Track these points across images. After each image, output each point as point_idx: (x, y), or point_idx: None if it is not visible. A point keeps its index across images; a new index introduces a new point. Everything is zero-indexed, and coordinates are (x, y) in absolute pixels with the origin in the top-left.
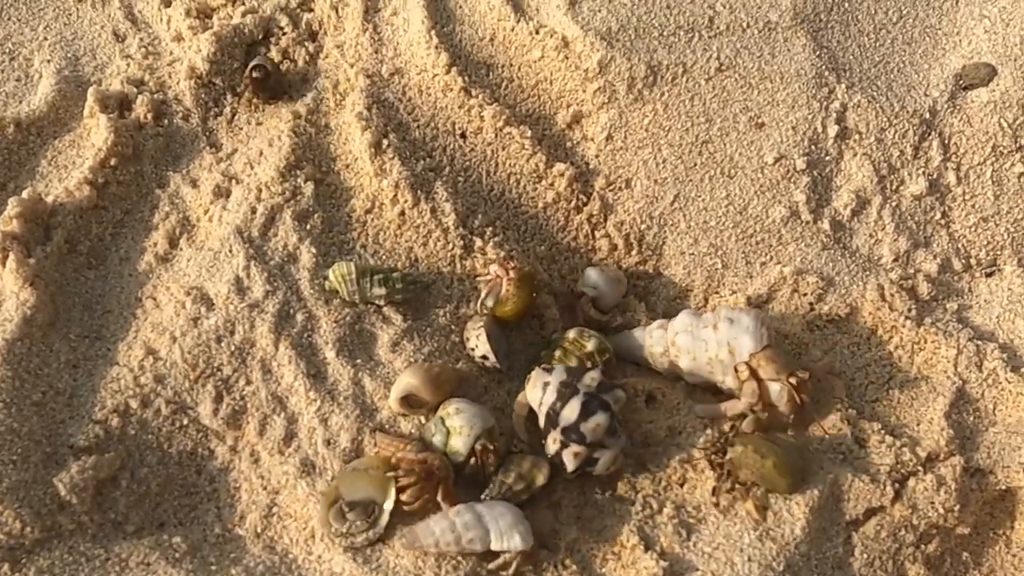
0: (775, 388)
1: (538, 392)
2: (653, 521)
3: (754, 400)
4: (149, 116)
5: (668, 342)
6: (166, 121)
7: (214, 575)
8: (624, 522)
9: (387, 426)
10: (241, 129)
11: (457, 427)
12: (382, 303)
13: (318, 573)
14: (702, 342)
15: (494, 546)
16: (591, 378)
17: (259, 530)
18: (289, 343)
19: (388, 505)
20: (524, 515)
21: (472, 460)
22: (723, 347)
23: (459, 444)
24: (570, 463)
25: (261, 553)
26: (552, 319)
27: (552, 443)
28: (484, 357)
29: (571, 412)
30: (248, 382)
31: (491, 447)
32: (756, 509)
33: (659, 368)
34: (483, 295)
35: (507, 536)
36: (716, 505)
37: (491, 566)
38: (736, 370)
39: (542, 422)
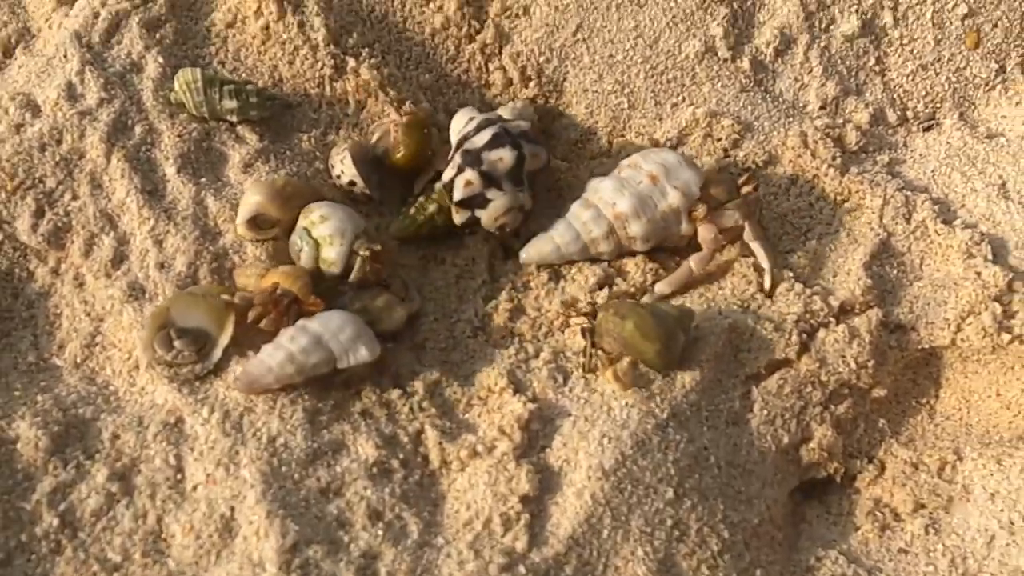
0: (729, 214)
1: (460, 122)
2: (527, 366)
3: (715, 241)
4: None
5: (611, 216)
6: None
7: (15, 401)
8: (494, 366)
9: (232, 253)
10: None
11: (327, 236)
12: (235, 119)
13: (138, 405)
14: (648, 198)
15: (340, 364)
16: (518, 124)
17: (79, 360)
18: (123, 155)
19: (224, 339)
20: (361, 323)
21: (356, 268)
22: (672, 192)
23: (333, 254)
24: (459, 191)
25: (77, 383)
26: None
27: (451, 168)
28: (352, 183)
29: (480, 139)
30: (74, 197)
31: (375, 248)
32: (615, 379)
33: (602, 253)
34: (373, 139)
35: (352, 351)
36: (585, 371)
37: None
38: (692, 213)
39: (451, 153)
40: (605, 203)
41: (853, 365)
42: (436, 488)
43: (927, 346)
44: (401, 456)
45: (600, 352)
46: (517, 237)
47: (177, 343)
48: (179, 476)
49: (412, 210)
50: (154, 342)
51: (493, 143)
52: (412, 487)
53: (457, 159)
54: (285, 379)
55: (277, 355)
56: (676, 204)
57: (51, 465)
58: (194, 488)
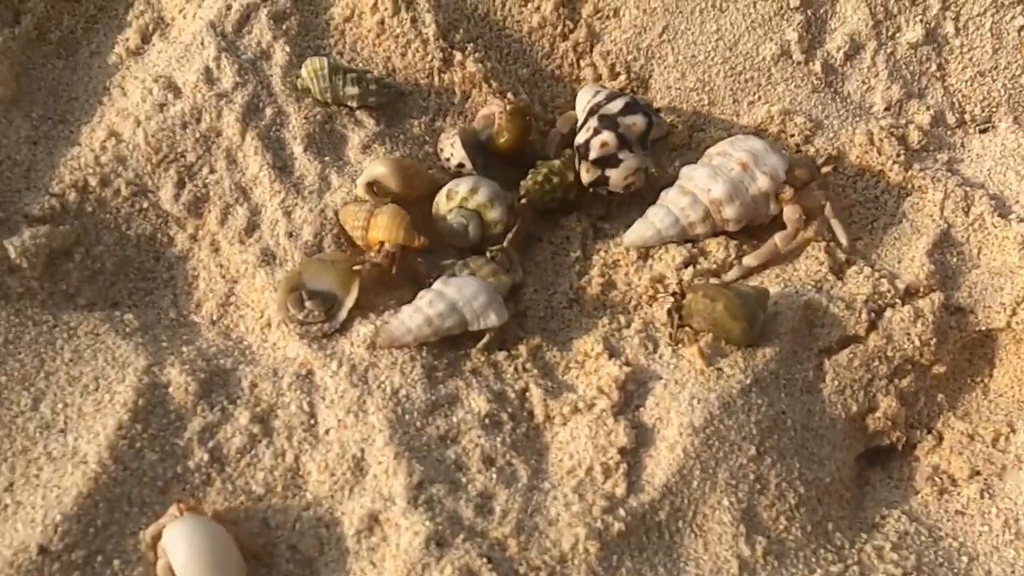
0: (814, 195)
1: (588, 95)
2: (620, 335)
3: (799, 220)
4: None
5: (707, 201)
6: None
7: (164, 351)
8: (590, 334)
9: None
10: None
11: (485, 203)
12: (354, 105)
13: (271, 358)
14: (740, 183)
15: (472, 327)
16: (643, 97)
17: (215, 318)
18: (256, 135)
19: (349, 302)
20: (495, 289)
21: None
22: (762, 177)
23: (496, 214)
24: (595, 151)
25: (215, 338)
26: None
27: (585, 131)
28: (460, 165)
29: (615, 106)
30: (212, 171)
31: (521, 199)
32: (700, 355)
33: (699, 235)
34: (478, 126)
35: (483, 316)
36: (674, 343)
37: (477, 347)
38: (779, 195)
39: (582, 118)
40: (701, 189)
41: (917, 343)
42: (541, 440)
43: (984, 328)
44: (509, 410)
45: (687, 328)
46: (608, 221)
47: (308, 303)
48: (312, 421)
49: (540, 176)
50: (288, 302)
51: (627, 110)
52: (520, 438)
53: (593, 123)
54: (422, 339)
55: (417, 318)
56: (765, 188)
57: (199, 407)
58: (327, 432)
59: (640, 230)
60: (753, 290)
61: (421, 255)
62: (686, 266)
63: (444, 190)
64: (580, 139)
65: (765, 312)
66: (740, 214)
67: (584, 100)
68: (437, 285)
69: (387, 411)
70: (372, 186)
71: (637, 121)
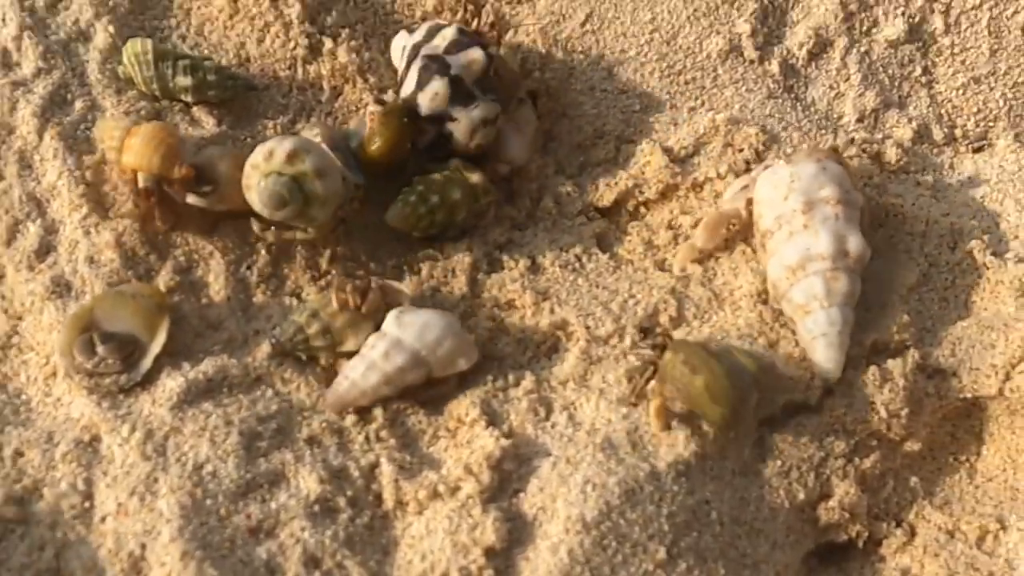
0: None
1: (403, 37)
2: (505, 396)
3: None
4: None
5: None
6: None
7: None
8: (467, 395)
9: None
10: None
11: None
12: (190, 99)
13: (50, 418)
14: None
15: (436, 375)
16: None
17: None
18: (58, 133)
19: (155, 347)
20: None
21: None
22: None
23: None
24: (426, 105)
25: None
26: None
27: (410, 81)
28: None
29: (440, 41)
30: None
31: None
32: (658, 414)
33: None
34: (351, 131)
35: (450, 365)
36: (634, 399)
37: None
38: None
39: (403, 65)
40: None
41: (884, 413)
42: (388, 533)
43: (970, 395)
44: (349, 493)
45: (653, 386)
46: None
47: (101, 349)
48: (87, 504)
49: (413, 197)
50: (74, 346)
51: (457, 44)
52: (359, 530)
53: (416, 68)
54: (380, 398)
55: (372, 377)
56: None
57: None
58: (103, 519)
59: None
60: (754, 363)
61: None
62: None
63: (262, 148)
64: (405, 91)
65: (761, 392)
66: None
67: (400, 43)
68: (390, 326)
69: (182, 493)
70: (196, 172)
71: (475, 57)
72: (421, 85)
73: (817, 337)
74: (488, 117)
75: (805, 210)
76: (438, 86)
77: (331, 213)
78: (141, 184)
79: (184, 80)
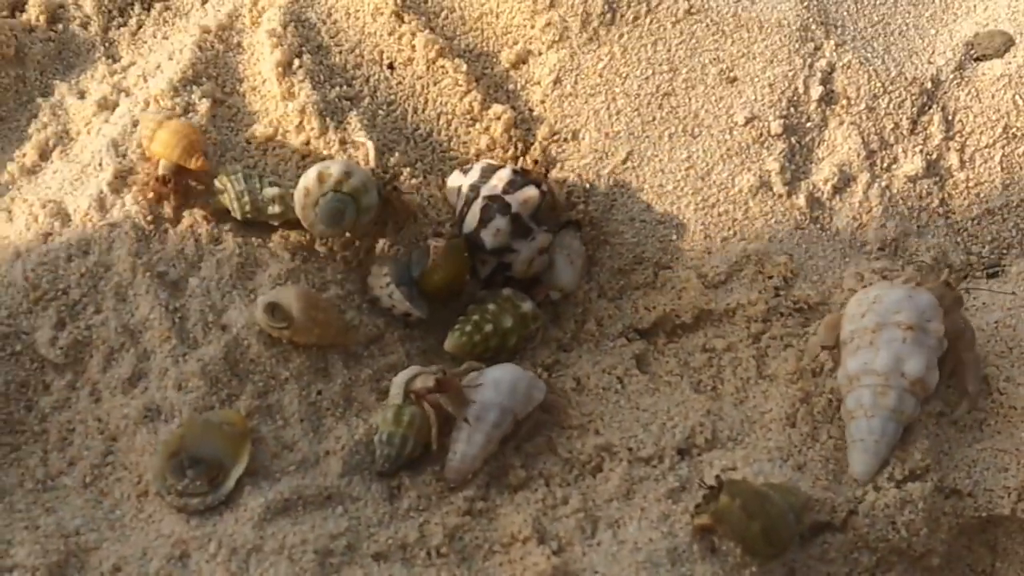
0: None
1: (459, 176)
2: (554, 513)
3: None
4: (42, 19)
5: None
6: (60, 26)
7: (15, 523)
8: (520, 511)
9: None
10: (145, 43)
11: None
12: (276, 210)
13: (144, 533)
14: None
15: (520, 416)
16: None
17: (87, 480)
18: (148, 270)
19: (237, 470)
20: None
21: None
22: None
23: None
24: (490, 240)
25: (83, 505)
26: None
27: (472, 218)
28: (407, 315)
29: (498, 182)
30: (97, 310)
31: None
32: (698, 530)
33: None
34: (412, 260)
35: (529, 402)
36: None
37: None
38: None
39: (460, 203)
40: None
41: (905, 532)
42: None
43: (984, 514)
44: None
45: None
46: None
47: (189, 472)
48: None
49: (469, 327)
50: (166, 470)
51: (514, 184)
52: None
53: (478, 207)
54: (489, 455)
55: (477, 439)
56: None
57: None
58: None
59: None
60: (796, 501)
61: None
62: None
63: (314, 172)
64: (467, 227)
65: (801, 522)
66: None
67: (456, 183)
68: (472, 394)
69: None
70: (272, 307)
71: (531, 195)
72: (484, 222)
73: (856, 442)
74: (544, 246)
75: (875, 329)
76: (500, 223)
77: (373, 219)
78: (160, 171)
79: (272, 191)
